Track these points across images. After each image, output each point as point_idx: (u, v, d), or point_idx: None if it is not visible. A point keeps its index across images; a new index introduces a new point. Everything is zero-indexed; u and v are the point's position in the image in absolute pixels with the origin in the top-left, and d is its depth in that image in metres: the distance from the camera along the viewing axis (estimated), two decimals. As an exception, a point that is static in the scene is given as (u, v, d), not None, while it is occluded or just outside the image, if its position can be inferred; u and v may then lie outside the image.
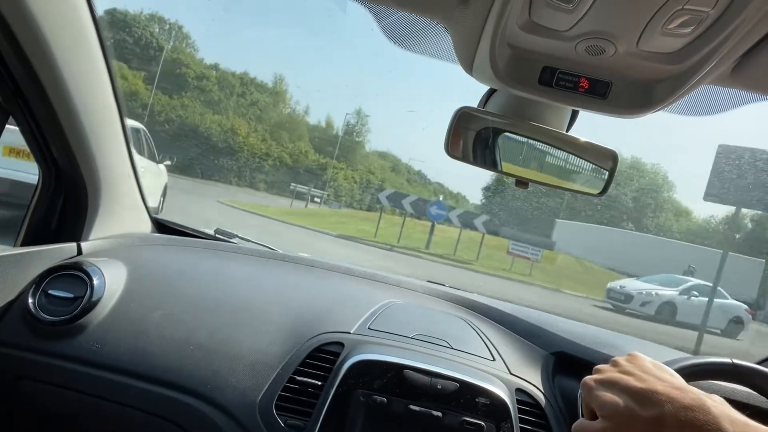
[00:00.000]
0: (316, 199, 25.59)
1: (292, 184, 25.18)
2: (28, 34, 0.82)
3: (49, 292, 1.00)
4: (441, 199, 19.79)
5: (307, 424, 0.89)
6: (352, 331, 1.04)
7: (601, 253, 20.47)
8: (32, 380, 0.97)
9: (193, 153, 27.36)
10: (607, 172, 0.86)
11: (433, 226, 16.12)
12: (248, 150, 29.62)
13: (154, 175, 6.58)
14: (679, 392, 0.51)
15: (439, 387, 0.92)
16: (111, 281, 1.05)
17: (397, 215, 18.17)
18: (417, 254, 14.30)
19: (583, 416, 0.61)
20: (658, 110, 0.69)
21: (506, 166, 0.88)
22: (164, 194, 7.33)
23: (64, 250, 1.11)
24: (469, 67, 0.72)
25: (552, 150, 0.86)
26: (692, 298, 13.16)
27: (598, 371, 0.62)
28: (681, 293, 13.30)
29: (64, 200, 1.15)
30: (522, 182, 0.89)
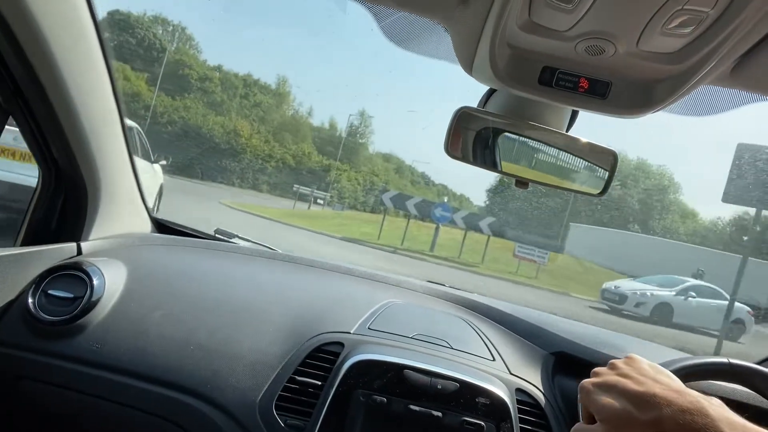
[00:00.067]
0: (319, 201, 25.55)
1: (295, 185, 25.15)
2: (28, 34, 0.81)
3: (49, 292, 1.00)
4: (445, 200, 19.72)
5: (307, 424, 0.89)
6: (352, 331, 1.04)
7: (611, 256, 20.23)
8: (32, 380, 0.97)
9: (195, 154, 27.40)
10: (607, 173, 0.86)
11: (437, 228, 16.04)
12: (251, 151, 29.67)
13: (149, 175, 6.51)
14: (677, 395, 0.51)
15: (439, 387, 0.92)
16: (111, 281, 1.05)
17: (401, 217, 18.12)
18: (421, 257, 14.23)
19: (581, 419, 0.61)
20: (658, 110, 0.69)
21: (506, 166, 0.88)
22: (160, 195, 7.26)
23: (64, 250, 1.11)
24: (469, 67, 0.72)
25: (552, 150, 0.86)
26: (689, 299, 12.94)
27: (596, 374, 0.62)
28: (678, 294, 13.05)
29: (64, 200, 1.15)
30: (522, 182, 0.89)
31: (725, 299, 13.07)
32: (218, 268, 1.24)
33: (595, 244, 22.34)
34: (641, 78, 0.66)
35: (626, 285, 13.48)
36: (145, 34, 32.25)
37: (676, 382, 0.58)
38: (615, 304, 12.78)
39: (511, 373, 1.03)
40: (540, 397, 1.00)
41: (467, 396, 0.92)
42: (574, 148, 0.86)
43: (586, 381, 0.61)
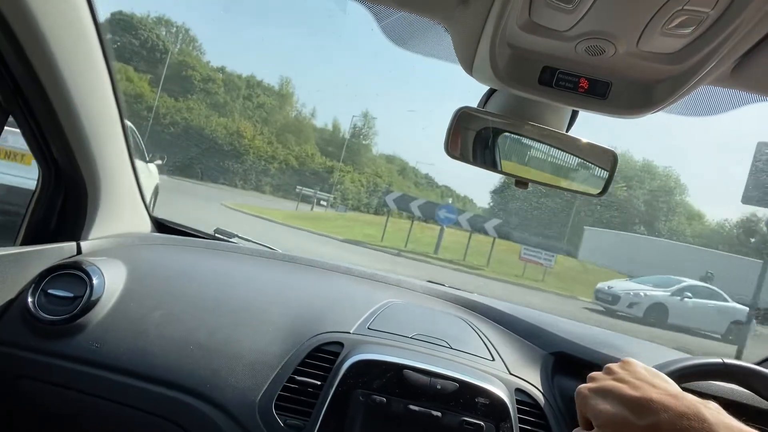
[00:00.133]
0: (322, 203, 25.53)
1: (298, 187, 25.13)
2: (28, 34, 0.81)
3: (49, 291, 1.00)
4: (450, 202, 19.63)
5: (307, 424, 0.89)
6: (351, 331, 1.04)
7: (624, 259, 19.91)
8: (32, 380, 0.97)
9: (197, 156, 27.44)
10: (607, 173, 0.86)
11: (442, 230, 15.87)
12: (254, 153, 29.68)
13: (144, 175, 6.11)
14: (674, 400, 0.51)
15: (438, 387, 0.92)
16: (110, 281, 1.05)
17: (404, 219, 18.06)
18: (425, 259, 14.08)
19: (579, 425, 0.61)
20: (658, 110, 0.69)
21: (506, 166, 0.88)
22: (155, 196, 7.16)
23: (64, 249, 1.11)
24: (469, 67, 0.72)
25: (552, 150, 0.86)
26: (685, 299, 12.60)
27: (592, 379, 0.62)
28: (673, 294, 12.61)
29: (64, 199, 1.15)
30: (522, 182, 0.89)
31: (724, 300, 12.88)
32: (218, 268, 1.24)
33: (607, 248, 22.13)
34: (641, 78, 0.66)
35: (620, 285, 13.12)
36: (149, 35, 32.30)
37: (673, 386, 0.58)
38: (608, 305, 12.43)
39: (511, 373, 1.03)
40: (539, 397, 1.00)
41: (467, 396, 0.92)
42: (574, 148, 0.86)
43: (582, 386, 0.61)
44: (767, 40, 0.55)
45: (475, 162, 0.88)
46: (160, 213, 1.52)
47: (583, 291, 14.34)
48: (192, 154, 27.09)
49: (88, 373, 0.95)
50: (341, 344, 0.99)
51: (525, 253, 15.05)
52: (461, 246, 15.84)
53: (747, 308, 12.80)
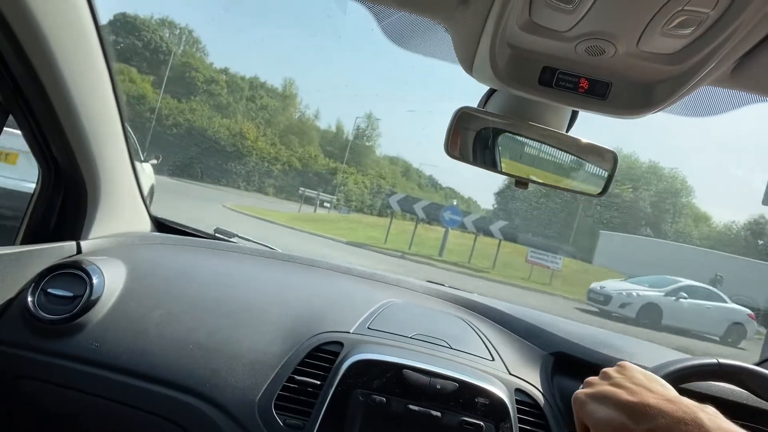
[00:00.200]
0: (325, 204, 25.36)
1: (301, 188, 24.95)
2: (28, 33, 0.81)
3: (49, 290, 0.99)
4: (455, 203, 19.31)
5: (306, 424, 0.89)
6: (351, 331, 1.04)
7: (636, 263, 19.43)
8: (31, 379, 0.96)
9: (199, 157, 27.30)
10: (607, 173, 0.86)
11: (446, 232, 15.63)
12: (257, 154, 29.51)
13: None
14: (671, 405, 0.51)
15: (438, 387, 0.91)
16: (110, 280, 1.05)
17: (408, 220, 17.80)
18: (429, 262, 13.83)
19: (577, 430, 0.61)
20: (658, 111, 0.68)
21: (506, 166, 0.88)
22: (151, 196, 7.00)
23: (64, 248, 1.11)
24: (469, 67, 0.72)
25: (552, 150, 0.86)
26: (680, 300, 12.16)
27: (589, 384, 0.62)
28: (667, 294, 12.18)
29: (64, 199, 1.15)
30: (522, 182, 0.89)
31: (722, 301, 12.50)
32: (218, 268, 1.23)
33: (622, 252, 21.68)
34: (641, 78, 0.66)
35: (612, 285, 12.77)
36: (152, 36, 32.26)
37: (670, 391, 0.58)
38: (600, 305, 12.06)
39: (511, 374, 1.03)
40: (539, 397, 1.00)
41: (466, 396, 0.92)
42: (574, 148, 0.86)
43: (579, 392, 0.61)
44: (767, 40, 0.55)
45: (475, 162, 0.87)
46: (159, 214, 1.51)
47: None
48: (194, 156, 26.96)
49: (87, 373, 0.94)
50: (341, 344, 0.99)
51: (532, 255, 14.75)
52: (466, 248, 15.60)
53: (746, 309, 12.31)
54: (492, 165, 0.88)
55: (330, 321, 1.06)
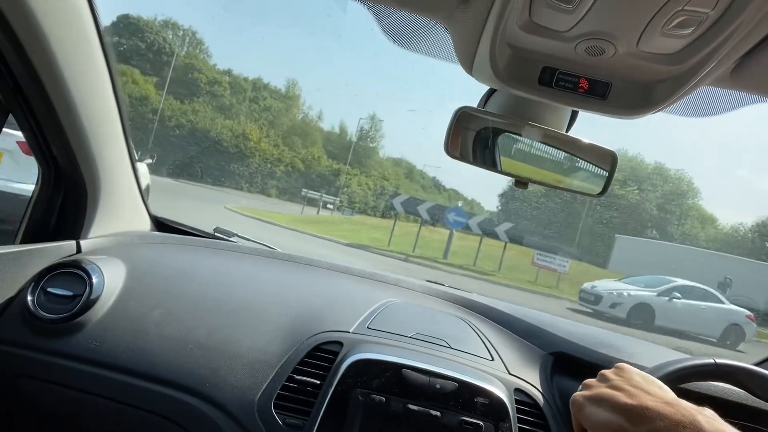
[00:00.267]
0: (328, 206, 25.27)
1: (303, 190, 24.87)
2: (28, 33, 0.81)
3: (48, 289, 0.99)
4: (459, 205, 19.13)
5: (306, 423, 0.89)
6: (351, 331, 1.04)
7: (653, 268, 19.17)
8: (31, 378, 0.96)
9: (201, 158, 27.28)
10: (607, 173, 0.86)
11: (451, 234, 15.41)
12: (260, 155, 29.43)
13: None
14: (669, 408, 0.51)
15: (437, 386, 0.91)
16: (110, 279, 1.05)
17: (412, 222, 17.66)
18: (434, 264, 13.59)
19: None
20: (658, 111, 0.68)
21: (506, 166, 0.88)
22: (146, 196, 6.79)
23: (64, 248, 1.11)
24: (469, 67, 0.71)
25: (551, 150, 0.86)
26: (673, 300, 11.73)
27: (587, 386, 0.62)
28: (660, 294, 11.76)
29: (64, 198, 1.15)
30: (521, 182, 0.89)
31: (719, 302, 12.13)
32: (217, 267, 1.23)
33: (638, 257, 21.32)
34: (641, 79, 0.65)
35: (604, 284, 12.39)
36: (155, 38, 32.24)
37: (668, 393, 0.58)
38: (591, 305, 11.67)
39: (510, 373, 1.03)
40: (538, 397, 0.99)
41: (466, 396, 0.92)
42: (574, 148, 0.86)
43: (577, 394, 0.61)
44: (767, 40, 0.54)
45: (474, 162, 0.88)
46: (158, 215, 1.50)
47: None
48: (197, 157, 26.93)
49: (87, 372, 0.94)
50: (340, 343, 0.99)
51: (538, 258, 14.50)
52: (471, 251, 15.37)
53: (745, 310, 11.99)
54: (492, 165, 0.88)
55: (330, 320, 1.06)
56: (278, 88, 39.67)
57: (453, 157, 0.87)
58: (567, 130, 0.87)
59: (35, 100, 0.95)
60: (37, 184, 1.14)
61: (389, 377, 0.91)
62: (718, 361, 0.92)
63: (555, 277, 14.55)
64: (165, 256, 1.25)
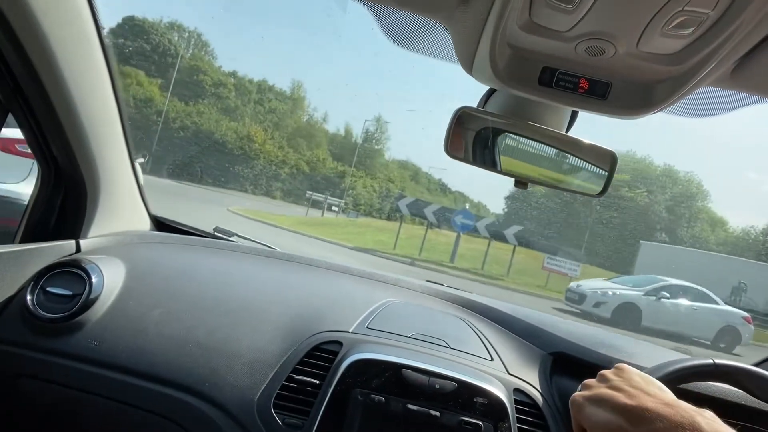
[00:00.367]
0: (333, 208, 25.19)
1: (308, 192, 24.84)
2: (28, 32, 0.81)
3: (48, 289, 1.00)
4: (467, 207, 19.04)
5: (305, 423, 0.89)
6: (350, 330, 1.04)
7: (680, 277, 18.81)
8: (31, 378, 0.96)
9: (206, 159, 27.34)
10: (607, 173, 0.86)
11: (458, 237, 15.15)
12: (264, 157, 29.45)
13: None
14: (669, 409, 0.51)
15: (437, 386, 0.91)
16: (109, 279, 1.05)
17: (417, 225, 17.59)
18: (441, 268, 13.37)
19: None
20: (658, 111, 0.68)
21: (505, 166, 0.88)
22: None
23: (63, 247, 1.11)
24: (469, 67, 0.71)
25: (551, 150, 0.86)
26: (662, 300, 11.22)
27: (587, 387, 0.62)
28: (647, 294, 11.27)
29: (64, 198, 1.15)
30: (521, 182, 0.89)
31: (713, 302, 11.63)
32: (217, 267, 1.23)
33: (663, 264, 21.00)
34: (641, 79, 0.66)
35: (589, 284, 11.94)
36: (160, 40, 32.34)
37: (668, 394, 0.58)
38: (575, 305, 11.24)
39: (509, 373, 1.03)
40: (538, 397, 1.00)
41: (465, 396, 0.92)
42: (574, 148, 0.86)
43: (577, 394, 0.61)
44: (767, 40, 0.54)
45: (474, 162, 0.88)
46: (157, 215, 1.49)
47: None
48: (201, 159, 26.99)
49: (87, 371, 0.94)
50: (340, 343, 0.99)
51: (548, 262, 14.20)
52: (478, 254, 15.09)
53: (741, 312, 11.62)
54: (492, 165, 0.88)
55: (329, 320, 1.06)
56: (283, 90, 39.66)
57: (453, 157, 0.87)
58: (567, 131, 0.87)
59: (35, 100, 0.95)
60: (36, 184, 1.14)
61: (389, 377, 0.92)
62: (718, 361, 0.92)
63: (566, 281, 14.02)
64: (164, 255, 1.25)
